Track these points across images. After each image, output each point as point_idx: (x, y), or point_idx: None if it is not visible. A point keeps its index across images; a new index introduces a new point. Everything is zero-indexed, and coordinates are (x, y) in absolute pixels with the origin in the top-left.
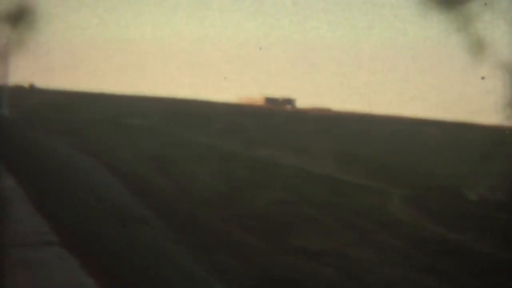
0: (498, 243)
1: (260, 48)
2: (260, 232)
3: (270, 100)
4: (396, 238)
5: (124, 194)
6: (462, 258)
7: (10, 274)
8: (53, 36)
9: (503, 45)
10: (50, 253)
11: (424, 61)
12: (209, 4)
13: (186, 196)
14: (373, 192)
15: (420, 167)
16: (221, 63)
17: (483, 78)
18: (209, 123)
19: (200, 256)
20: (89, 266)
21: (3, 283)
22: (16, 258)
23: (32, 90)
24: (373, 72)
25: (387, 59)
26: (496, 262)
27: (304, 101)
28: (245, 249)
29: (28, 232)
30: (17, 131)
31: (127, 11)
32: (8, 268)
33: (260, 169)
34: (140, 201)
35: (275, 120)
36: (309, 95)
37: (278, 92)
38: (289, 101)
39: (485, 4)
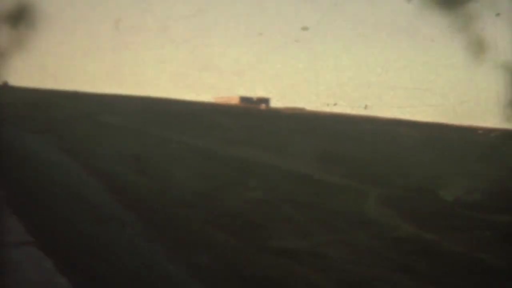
0: (474, 243)
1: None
2: (237, 231)
3: (245, 99)
4: (372, 238)
5: (102, 193)
6: (437, 257)
7: None
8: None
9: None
10: (25, 253)
11: (401, 59)
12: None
13: (163, 194)
14: (350, 191)
15: (396, 167)
16: (196, 62)
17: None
18: (186, 122)
19: (177, 256)
20: (65, 266)
21: None
22: None
23: (5, 88)
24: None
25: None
26: (471, 261)
27: (278, 101)
28: (223, 248)
29: (3, 231)
30: None
31: (101, 5)
32: None
33: (239, 168)
34: (117, 200)
35: (251, 119)
36: (283, 95)
37: (253, 91)
38: (264, 101)
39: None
